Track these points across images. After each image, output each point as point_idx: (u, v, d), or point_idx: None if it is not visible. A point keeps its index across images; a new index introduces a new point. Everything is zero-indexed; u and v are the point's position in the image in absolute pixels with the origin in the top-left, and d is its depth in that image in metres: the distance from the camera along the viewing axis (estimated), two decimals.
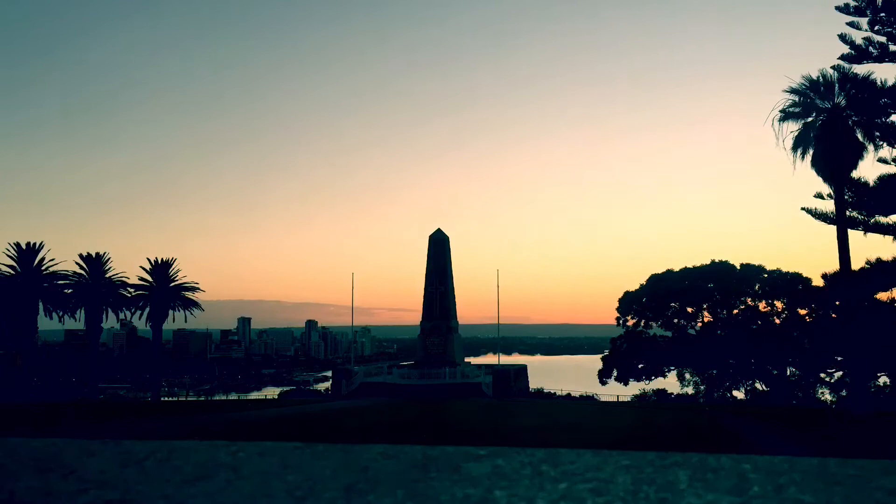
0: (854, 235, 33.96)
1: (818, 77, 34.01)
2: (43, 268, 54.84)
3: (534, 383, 58.34)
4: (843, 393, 39.31)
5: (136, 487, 1.25)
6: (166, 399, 61.74)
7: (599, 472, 1.23)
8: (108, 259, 58.21)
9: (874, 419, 25.66)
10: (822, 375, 41.73)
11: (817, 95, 34.14)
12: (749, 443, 18.55)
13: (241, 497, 1.19)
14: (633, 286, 49.75)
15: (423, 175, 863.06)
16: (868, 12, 31.95)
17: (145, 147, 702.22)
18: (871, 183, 33.37)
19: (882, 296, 36.42)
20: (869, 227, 33.80)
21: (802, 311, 44.47)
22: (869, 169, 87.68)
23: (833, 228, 33.53)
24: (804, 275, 45.45)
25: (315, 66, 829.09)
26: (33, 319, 53.37)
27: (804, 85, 34.25)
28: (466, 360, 56.79)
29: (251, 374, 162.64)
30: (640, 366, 46.82)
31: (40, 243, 55.08)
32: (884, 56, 32.33)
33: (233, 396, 78.49)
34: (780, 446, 17.86)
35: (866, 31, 32.37)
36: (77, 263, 57.30)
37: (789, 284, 45.35)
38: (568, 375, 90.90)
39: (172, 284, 60.79)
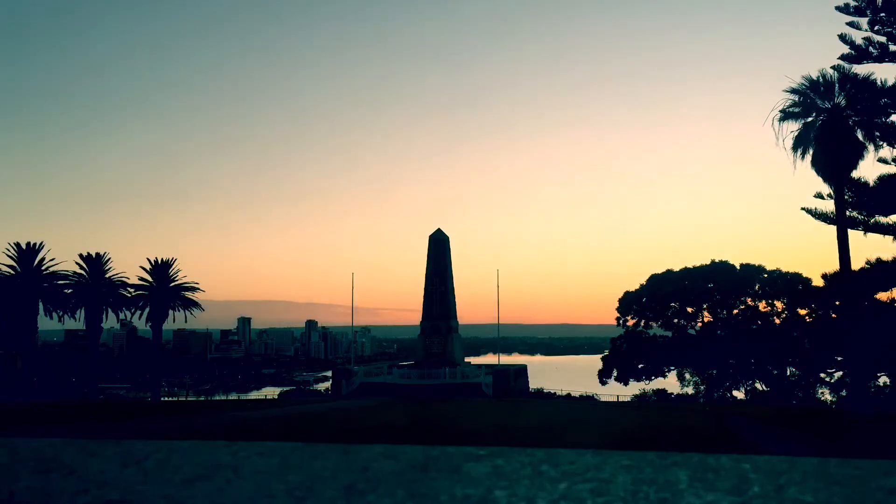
0: (854, 235, 33.99)
1: (818, 77, 34.02)
2: (43, 268, 54.84)
3: (534, 383, 58.35)
4: (843, 393, 39.29)
5: (136, 487, 1.25)
6: (166, 399, 61.75)
7: (599, 472, 1.23)
8: (108, 259, 58.24)
9: (874, 419, 25.65)
10: (822, 375, 41.72)
11: (817, 95, 34.15)
12: (749, 443, 18.54)
13: (241, 497, 1.19)
14: (633, 286, 49.77)
15: (423, 175, 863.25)
16: (868, 12, 31.96)
17: (145, 147, 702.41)
18: (871, 183, 33.38)
19: (882, 296, 36.42)
20: (869, 227, 33.80)
21: (802, 311, 44.46)
22: (869, 169, 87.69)
23: (833, 228, 33.54)
24: (804, 275, 45.48)
25: (315, 66, 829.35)
26: (33, 319, 53.37)
27: (804, 85, 34.26)
28: (466, 360, 56.79)
29: (251, 374, 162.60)
30: (640, 366, 46.81)
31: (40, 243, 55.11)
32: (884, 56, 32.33)
33: (233, 396, 78.51)
34: (780, 446, 17.85)
35: (866, 31, 32.39)
36: (77, 263, 57.33)
37: (789, 284, 45.35)
38: (568, 375, 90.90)
39: (172, 284, 60.79)
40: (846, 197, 33.22)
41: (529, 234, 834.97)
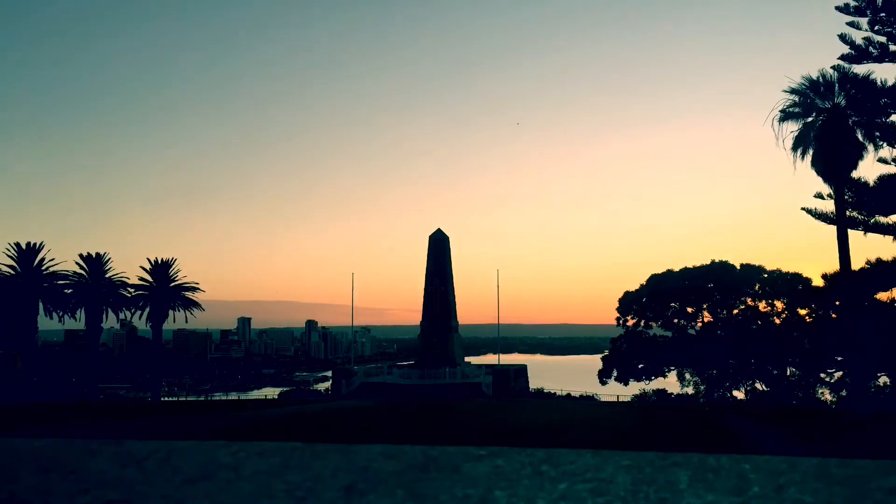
0: (854, 235, 34.02)
1: (818, 77, 34.06)
2: (43, 268, 54.88)
3: (534, 383, 58.38)
4: (843, 393, 39.30)
5: (136, 487, 1.25)
6: (166, 399, 61.78)
7: (599, 472, 1.23)
8: (108, 259, 58.30)
9: (874, 419, 25.66)
10: (822, 375, 41.71)
11: (817, 95, 34.18)
12: (749, 443, 18.55)
13: (241, 497, 1.19)
14: (633, 286, 49.77)
15: (423, 175, 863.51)
16: (868, 12, 31.99)
17: (145, 147, 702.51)
18: (871, 183, 33.41)
19: (882, 296, 36.42)
20: (869, 227, 33.83)
21: (802, 311, 44.45)
22: (869, 169, 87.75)
23: (833, 228, 33.57)
24: (804, 275, 45.48)
25: (314, 66, 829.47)
26: (33, 319, 53.40)
27: (804, 85, 34.29)
28: (466, 360, 56.82)
29: (251, 374, 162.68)
30: (640, 366, 46.81)
31: (40, 243, 55.16)
32: (884, 56, 32.36)
33: (233, 396, 78.54)
34: (780, 446, 17.87)
35: (866, 31, 32.42)
36: (77, 263, 57.40)
37: (789, 284, 45.36)
38: (568, 375, 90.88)
39: (172, 284, 60.85)
40: (846, 197, 33.25)
41: (529, 235, 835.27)
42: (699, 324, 47.24)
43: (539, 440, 18.56)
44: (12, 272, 53.90)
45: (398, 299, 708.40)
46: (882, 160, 33.57)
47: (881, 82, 32.46)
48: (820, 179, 34.00)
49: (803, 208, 35.28)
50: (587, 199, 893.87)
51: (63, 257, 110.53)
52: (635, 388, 48.12)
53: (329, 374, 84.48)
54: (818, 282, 41.34)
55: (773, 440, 19.16)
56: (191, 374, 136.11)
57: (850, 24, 32.54)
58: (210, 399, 66.47)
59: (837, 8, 32.51)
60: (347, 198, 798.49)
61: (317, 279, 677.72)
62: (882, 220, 33.68)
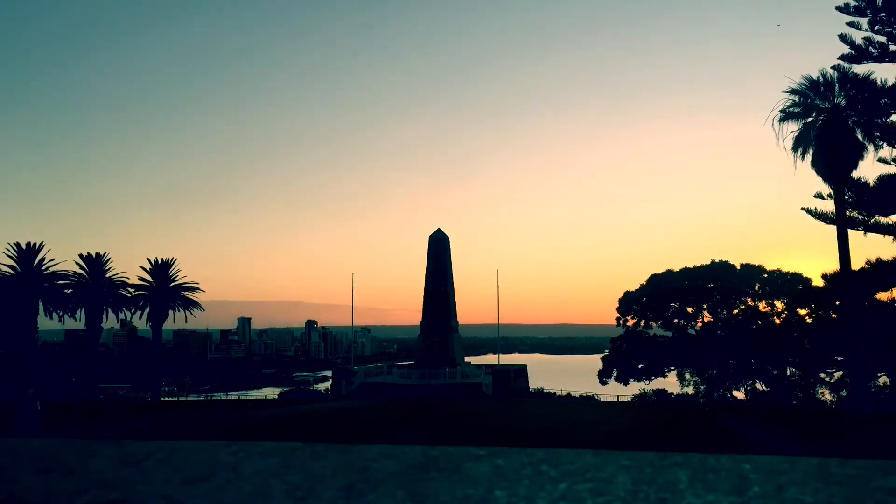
0: (854, 235, 34.01)
1: (818, 77, 34.05)
2: (43, 268, 54.86)
3: (534, 383, 58.37)
4: (843, 393, 39.30)
5: (136, 487, 1.25)
6: (166, 399, 61.76)
7: (599, 472, 1.23)
8: (108, 259, 58.26)
9: (874, 419, 25.66)
10: (822, 375, 41.72)
11: (817, 95, 34.16)
12: (749, 443, 18.55)
13: (241, 497, 1.19)
14: (633, 286, 49.77)
15: (423, 175, 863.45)
16: (868, 12, 31.98)
17: (145, 147, 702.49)
18: (871, 183, 33.40)
19: (882, 296, 36.44)
20: (869, 227, 33.83)
21: (802, 311, 44.46)
22: (869, 169, 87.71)
23: (833, 228, 33.56)
24: (804, 275, 45.49)
25: (315, 68, 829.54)
26: (33, 319, 53.39)
27: (804, 85, 34.27)
28: (466, 360, 56.81)
29: (251, 374, 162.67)
30: (640, 366, 46.81)
31: (40, 243, 55.13)
32: (884, 56, 32.35)
33: (233, 396, 78.51)
34: (780, 446, 17.86)
35: (866, 31, 32.41)
36: (77, 263, 57.36)
37: (789, 284, 45.36)
38: (568, 375, 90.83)
39: (172, 284, 60.83)
40: (846, 197, 33.24)
41: (529, 234, 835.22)
42: (699, 324, 47.23)
43: (539, 440, 18.56)
44: (12, 272, 53.88)
45: (398, 299, 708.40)
46: (882, 160, 33.59)
47: (881, 82, 32.47)
48: (820, 179, 34.00)
49: (803, 208, 35.28)
50: (587, 199, 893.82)
51: (63, 257, 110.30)
52: (635, 388, 48.12)
53: (329, 374, 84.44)
54: (818, 282, 41.38)
55: (773, 440, 19.15)
56: (191, 375, 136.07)
57: (850, 24, 32.54)
58: (210, 399, 66.44)
59: (837, 8, 32.51)
60: (348, 198, 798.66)
61: (317, 279, 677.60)
62: (882, 220, 33.68)
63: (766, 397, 42.75)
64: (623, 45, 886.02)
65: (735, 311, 46.46)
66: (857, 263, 34.49)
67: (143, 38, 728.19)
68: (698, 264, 48.68)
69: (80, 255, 57.47)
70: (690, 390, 46.34)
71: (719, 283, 46.57)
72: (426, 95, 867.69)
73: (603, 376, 48.30)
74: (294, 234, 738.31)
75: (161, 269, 60.62)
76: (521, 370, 55.24)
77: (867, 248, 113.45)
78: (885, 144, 33.28)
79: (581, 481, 1.19)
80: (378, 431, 21.40)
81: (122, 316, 61.13)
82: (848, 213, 33.25)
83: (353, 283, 66.06)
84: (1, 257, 54.19)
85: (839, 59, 33.16)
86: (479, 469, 1.27)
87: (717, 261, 48.27)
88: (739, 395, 44.97)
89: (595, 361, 51.47)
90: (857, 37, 32.51)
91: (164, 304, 60.02)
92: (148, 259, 60.86)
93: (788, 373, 43.66)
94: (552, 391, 56.49)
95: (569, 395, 54.57)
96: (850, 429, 21.80)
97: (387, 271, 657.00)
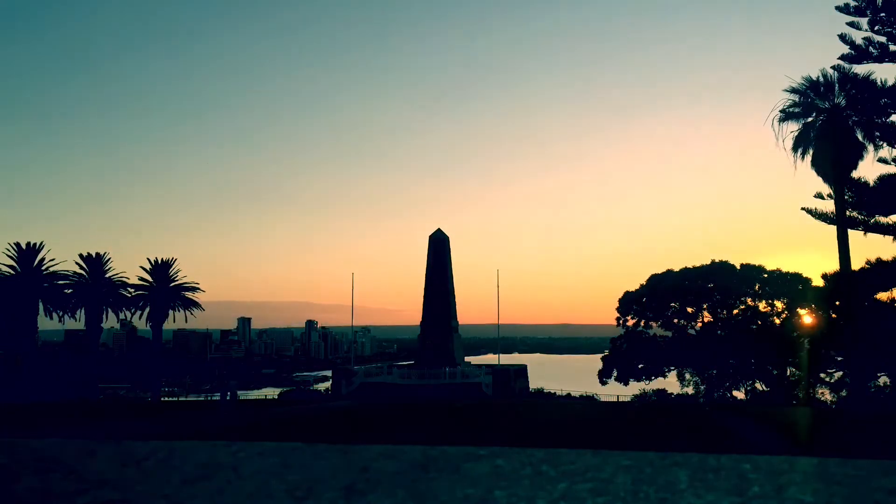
0: (854, 235, 34.03)
1: (818, 77, 34.09)
2: (43, 268, 54.88)
3: (534, 383, 58.41)
4: (843, 393, 39.30)
5: (136, 487, 1.25)
6: (166, 399, 61.79)
7: (599, 472, 1.23)
8: (108, 259, 58.32)
9: (874, 419, 25.66)
10: (822, 375, 41.70)
11: (817, 95, 34.19)
12: (749, 443, 18.55)
13: (241, 497, 1.19)
14: (633, 286, 49.76)
15: (423, 175, 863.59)
16: (868, 12, 32.00)
17: (145, 147, 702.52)
18: (871, 183, 33.42)
19: (882, 296, 36.44)
20: (869, 227, 33.85)
21: (802, 311, 44.47)
22: (869, 169, 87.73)
23: (833, 228, 33.58)
24: (804, 275, 45.49)
25: (314, 67, 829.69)
26: (33, 319, 53.42)
27: (804, 85, 34.31)
28: (466, 360, 56.83)
29: (251, 374, 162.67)
30: (640, 366, 46.80)
31: (40, 243, 55.17)
32: (884, 56, 32.37)
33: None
34: (781, 446, 17.86)
35: (866, 31, 32.44)
36: (77, 263, 57.42)
37: (789, 284, 45.36)
38: (568, 375, 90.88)
39: (172, 284, 60.87)
40: (846, 197, 33.27)
41: (529, 235, 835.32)
42: (699, 324, 47.23)
43: (540, 439, 18.56)
44: (12, 272, 53.91)
45: (398, 299, 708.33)
46: (882, 160, 33.61)
47: (881, 82, 32.50)
48: (820, 179, 34.06)
49: (803, 208, 35.33)
50: (587, 200, 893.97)
51: (63, 257, 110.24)
52: (635, 388, 48.13)
53: (329, 374, 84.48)
54: (818, 282, 41.37)
55: (773, 440, 19.16)
56: (191, 375, 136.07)
57: (850, 24, 32.56)
58: (210, 399, 66.47)
59: (837, 8, 32.53)
60: (348, 198, 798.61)
61: (317, 279, 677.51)
62: (882, 220, 33.71)
63: (766, 397, 42.75)
64: (623, 45, 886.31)
65: (735, 311, 46.45)
66: (857, 263, 34.53)
67: (140, 38, 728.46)
68: (698, 264, 48.69)
69: (80, 255, 57.57)
70: (690, 390, 46.34)
71: (719, 283, 46.57)
72: (426, 95, 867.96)
73: (603, 376, 48.31)
74: (294, 234, 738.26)
75: (161, 269, 60.66)
76: (521, 370, 55.27)
77: (867, 248, 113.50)
78: (885, 144, 33.31)
79: (581, 481, 1.19)
80: (378, 431, 21.40)
81: (122, 316, 61.25)
82: (848, 213, 33.29)
83: (353, 283, 66.16)
84: (1, 257, 54.24)
85: (839, 59, 33.21)
86: (479, 469, 1.27)
87: (717, 261, 48.28)
88: (739, 395, 44.97)
89: (595, 361, 51.45)
90: (857, 37, 32.55)
91: (164, 304, 60.06)
92: (148, 259, 60.98)
93: (788, 373, 43.66)
94: (552, 391, 56.53)
95: (569, 395, 54.61)
96: (850, 429, 21.80)
97: (387, 271, 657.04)
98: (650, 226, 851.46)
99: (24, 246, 54.55)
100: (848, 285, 33.24)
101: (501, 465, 1.28)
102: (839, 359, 38.91)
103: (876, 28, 32.15)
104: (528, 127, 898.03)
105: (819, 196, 34.63)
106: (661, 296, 47.59)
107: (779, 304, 45.88)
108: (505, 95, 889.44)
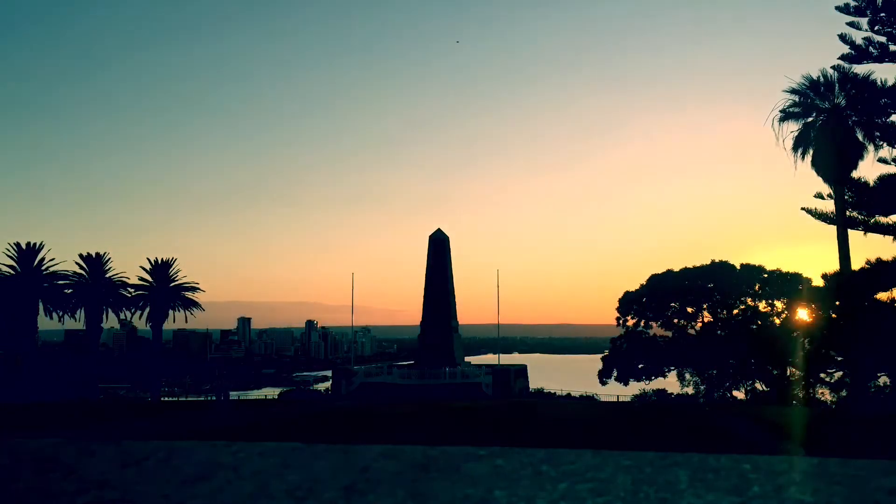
0: (854, 235, 34.04)
1: (818, 77, 34.10)
2: (43, 268, 54.89)
3: (534, 383, 58.43)
4: (843, 393, 39.31)
5: (136, 487, 1.25)
6: (166, 399, 61.79)
7: (599, 472, 1.23)
8: (108, 259, 58.34)
9: (874, 419, 25.67)
10: (822, 375, 41.70)
11: (817, 95, 34.20)
12: (749, 443, 18.55)
13: (241, 497, 1.19)
14: (633, 286, 49.77)
15: (424, 175, 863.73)
16: (868, 12, 32.01)
17: (145, 147, 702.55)
18: (871, 183, 33.43)
19: (882, 296, 36.44)
20: (869, 227, 33.85)
21: (802, 311, 44.48)
22: (869, 169, 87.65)
23: (833, 228, 33.59)
24: (804, 275, 45.49)
25: (313, 65, 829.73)
26: (33, 319, 53.45)
27: (804, 85, 34.32)
28: (466, 360, 56.84)
29: (251, 374, 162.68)
30: (640, 366, 46.82)
31: (40, 243, 55.19)
32: (884, 56, 32.37)
33: (233, 396, 78.45)
34: (780, 446, 17.87)
35: (866, 31, 32.44)
36: (77, 263, 57.45)
37: (789, 284, 45.36)
38: (568, 375, 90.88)
39: (172, 284, 60.89)
40: (846, 197, 33.28)
41: (529, 235, 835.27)
42: (699, 324, 47.25)
43: (540, 439, 18.57)
44: (12, 272, 53.92)
45: (398, 299, 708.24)
46: (882, 160, 33.62)
47: (881, 82, 32.50)
48: (820, 179, 34.08)
49: (803, 208, 35.34)
50: (587, 200, 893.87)
51: (63, 257, 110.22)
52: (635, 388, 48.15)
53: (329, 374, 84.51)
54: (818, 282, 41.36)
55: (772, 440, 19.16)
56: (191, 375, 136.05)
57: (850, 24, 32.57)
58: (210, 399, 66.49)
59: (837, 8, 32.53)
60: (348, 198, 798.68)
61: (317, 279, 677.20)
62: (882, 220, 33.71)
63: (766, 397, 42.77)
64: (623, 46, 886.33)
65: (735, 311, 46.47)
66: (857, 263, 34.54)
67: (140, 39, 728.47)
68: (698, 264, 48.70)
69: (80, 255, 57.60)
70: (690, 390, 46.35)
71: (719, 283, 46.58)
72: (426, 95, 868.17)
73: (603, 376, 48.33)
74: (294, 234, 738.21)
75: (161, 269, 60.68)
76: (521, 370, 55.30)
77: (867, 248, 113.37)
78: (885, 144, 33.32)
79: (581, 481, 1.19)
80: (378, 431, 21.41)
81: (122, 316, 61.28)
82: (848, 213, 33.30)
83: (353, 283, 66.19)
84: (1, 257, 54.26)
85: (839, 59, 33.22)
86: (479, 469, 1.27)
87: (717, 261, 48.29)
88: (739, 395, 44.98)
89: (595, 361, 51.47)
90: (857, 37, 32.55)
91: (164, 304, 60.09)
92: (148, 259, 61.01)
93: (788, 373, 43.66)
94: (552, 391, 56.55)
95: (569, 394, 54.63)
96: (850, 429, 21.80)
97: (387, 271, 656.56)
98: (650, 226, 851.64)
99: (24, 246, 54.57)
100: (848, 285, 33.24)
101: (501, 465, 1.28)
102: (839, 359, 38.92)
103: (876, 28, 32.15)
104: (528, 127, 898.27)
105: (819, 196, 34.66)
106: (661, 296, 47.60)
107: (779, 304, 45.89)
108: (505, 96, 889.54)
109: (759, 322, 45.39)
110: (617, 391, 48.91)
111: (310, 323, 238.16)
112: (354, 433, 20.87)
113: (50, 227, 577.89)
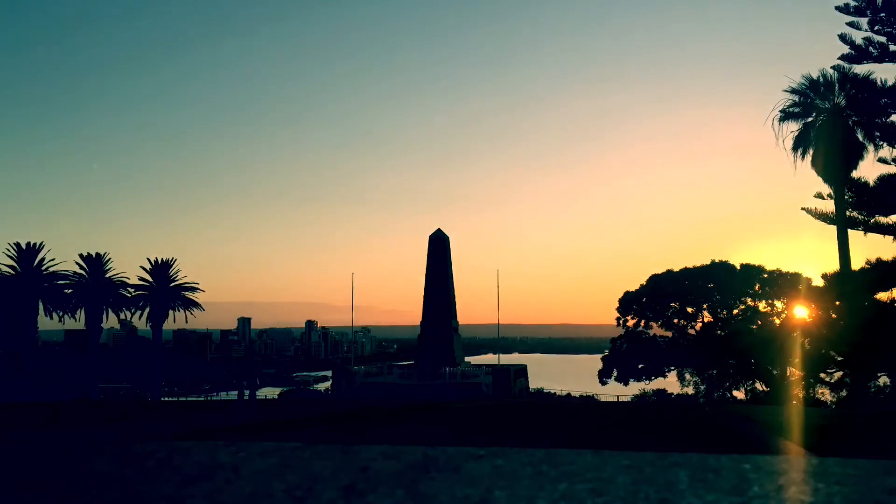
0: (854, 235, 34.03)
1: (818, 77, 34.09)
2: (43, 268, 54.88)
3: (534, 383, 58.44)
4: (843, 393, 39.31)
5: (136, 487, 1.25)
6: (167, 399, 61.78)
7: (599, 472, 1.23)
8: (109, 259, 58.31)
9: (874, 419, 25.66)
10: (822, 375, 41.70)
11: (817, 95, 34.19)
12: (749, 443, 18.55)
13: (241, 497, 1.19)
14: (633, 286, 49.79)
15: (423, 175, 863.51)
16: (868, 12, 31.98)
17: (145, 147, 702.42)
18: (871, 183, 33.40)
19: (882, 296, 36.43)
20: (869, 227, 33.84)
21: (802, 311, 44.47)
22: (869, 169, 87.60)
23: (833, 228, 33.59)
24: (804, 275, 45.49)
25: (313, 66, 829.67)
26: (33, 319, 53.45)
27: (804, 85, 34.31)
28: (466, 360, 56.84)
29: (251, 374, 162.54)
30: (640, 366, 46.83)
31: (40, 243, 55.17)
32: (884, 56, 32.35)
33: (233, 396, 78.38)
34: (780, 446, 17.86)
35: (866, 31, 32.41)
36: (77, 263, 57.41)
37: (789, 284, 45.37)
38: (568, 375, 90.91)
39: (172, 284, 60.88)
40: (846, 197, 33.27)
41: (530, 235, 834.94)
42: (699, 324, 47.24)
43: (540, 439, 18.56)
44: (12, 272, 53.91)
45: (398, 299, 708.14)
46: (882, 160, 33.59)
47: (881, 82, 32.48)
48: (820, 179, 34.06)
49: (803, 208, 35.32)
50: (587, 200, 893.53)
51: (63, 257, 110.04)
52: (635, 388, 48.15)
53: (329, 374, 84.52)
54: (818, 282, 41.35)
55: (772, 440, 19.16)
56: (191, 375, 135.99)
57: (850, 24, 32.54)
58: (210, 399, 66.49)
59: (837, 8, 32.51)
60: (348, 198, 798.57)
61: (317, 279, 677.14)
62: (882, 220, 33.69)
63: (766, 397, 42.77)
64: (624, 45, 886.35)
65: (735, 311, 46.46)
66: (857, 263, 34.53)
67: (139, 40, 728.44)
68: (698, 264, 48.72)
69: (80, 255, 57.55)
70: (690, 390, 46.35)
71: (719, 283, 46.58)
72: (427, 95, 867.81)
73: (603, 376, 48.32)
74: (294, 234, 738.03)
75: (161, 269, 60.67)
76: (522, 370, 55.30)
77: (867, 248, 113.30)
78: (885, 144, 33.30)
79: (581, 481, 1.19)
80: (378, 431, 21.41)
81: (122, 316, 61.25)
82: (848, 213, 33.28)
83: (353, 283, 66.27)
84: (1, 257, 54.25)
85: (839, 59, 33.19)
86: (479, 469, 1.27)
87: (717, 261, 48.30)
88: (739, 395, 44.99)
89: (595, 361, 51.48)
90: (857, 37, 32.52)
91: (164, 304, 60.09)
92: (148, 259, 60.95)
93: (788, 373, 43.67)
94: (552, 391, 56.56)
95: (569, 394, 54.63)
96: (850, 429, 21.80)
97: (387, 271, 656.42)
98: (650, 226, 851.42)
99: (24, 246, 54.56)
100: (848, 285, 33.23)
101: (501, 465, 1.28)
102: (839, 359, 38.91)
103: (876, 28, 32.13)
104: (528, 127, 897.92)
105: (819, 196, 34.64)
106: (661, 296, 47.60)
107: (779, 304, 45.90)
108: (506, 96, 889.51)
109: (759, 322, 45.38)
110: (617, 391, 48.90)
111: (310, 323, 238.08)
112: (354, 433, 20.87)
113: (50, 227, 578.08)
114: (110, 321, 61.52)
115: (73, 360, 66.42)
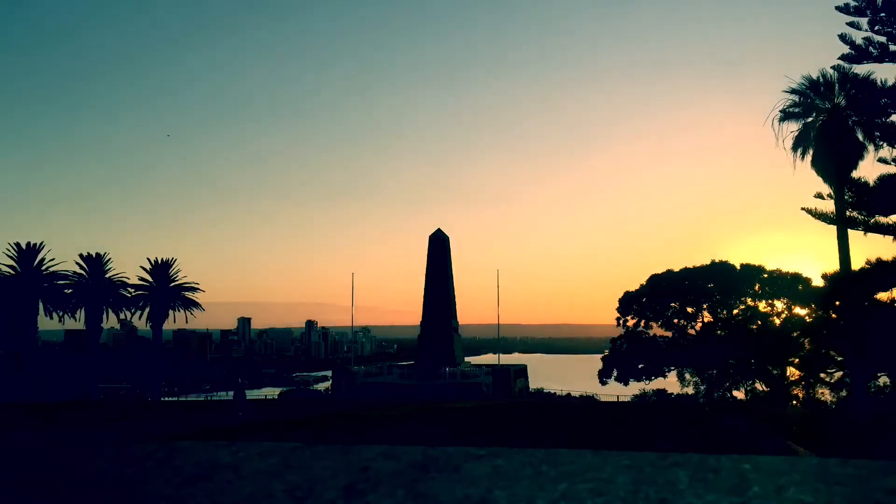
0: (854, 235, 34.01)
1: (818, 77, 34.05)
2: (43, 268, 54.87)
3: (534, 383, 58.45)
4: (843, 393, 39.29)
5: (136, 487, 1.25)
6: (166, 399, 61.77)
7: (599, 472, 1.23)
8: (108, 259, 58.30)
9: (874, 419, 25.66)
10: (822, 375, 41.69)
11: (817, 95, 34.17)
12: (749, 443, 18.55)
13: (241, 497, 1.19)
14: (633, 286, 49.76)
15: (423, 175, 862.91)
16: (868, 12, 31.93)
17: (145, 147, 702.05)
18: (871, 183, 33.36)
19: (882, 296, 36.39)
20: (869, 227, 33.79)
21: (802, 311, 44.45)
22: (869, 169, 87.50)
23: (833, 228, 33.57)
24: (804, 275, 45.48)
25: (312, 65, 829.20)
26: (33, 319, 53.45)
27: (804, 85, 34.28)
28: (466, 360, 56.84)
29: (251, 374, 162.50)
30: (640, 366, 46.79)
31: (40, 243, 55.16)
32: (884, 56, 32.31)
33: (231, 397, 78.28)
34: (780, 446, 17.86)
35: (866, 31, 32.35)
36: (77, 263, 57.41)
37: (789, 284, 45.35)
38: (568, 375, 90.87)
39: (172, 284, 60.86)
40: (846, 197, 33.23)
41: (529, 234, 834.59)
42: (699, 324, 47.21)
43: (541, 439, 18.56)
44: (12, 272, 53.90)
45: (398, 299, 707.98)
46: (882, 160, 33.53)
47: (881, 82, 32.42)
48: (820, 179, 34.01)
49: (803, 208, 35.26)
50: (587, 200, 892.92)
51: (63, 257, 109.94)
52: (635, 388, 48.12)
53: (329, 374, 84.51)
54: (818, 282, 41.33)
55: (772, 440, 19.16)
56: (191, 375, 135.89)
57: (850, 24, 32.49)
58: (210, 399, 66.46)
59: (837, 8, 32.46)
60: (348, 198, 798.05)
61: (317, 279, 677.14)
62: (882, 220, 33.64)
63: (766, 397, 42.75)
64: (624, 45, 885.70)
65: (735, 311, 46.44)
66: (857, 263, 34.50)
67: (139, 41, 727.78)
68: (698, 264, 48.69)
69: (80, 255, 57.55)
70: (690, 390, 46.32)
71: (719, 283, 46.55)
72: (427, 95, 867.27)
73: (603, 376, 48.29)
74: (294, 234, 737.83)
75: (161, 269, 60.65)
76: (522, 370, 55.29)
77: (867, 248, 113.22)
78: (885, 144, 33.25)
79: (581, 481, 1.19)
80: (378, 432, 21.41)
81: (122, 316, 61.24)
82: (848, 213, 33.24)
83: (353, 283, 66.24)
84: (1, 257, 54.25)
85: (839, 59, 33.12)
86: (479, 469, 1.27)
87: (717, 261, 48.26)
88: (739, 395, 44.96)
89: (595, 361, 51.45)
90: (857, 37, 32.46)
91: (164, 304, 60.07)
92: (148, 259, 60.96)
93: (788, 373, 43.65)
94: (552, 391, 56.53)
95: (569, 394, 54.61)
96: (850, 429, 21.80)
97: (387, 271, 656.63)
98: (650, 226, 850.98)
99: (24, 246, 54.54)
100: (848, 285, 33.20)
101: (501, 465, 1.28)
102: (839, 359, 38.89)
103: (876, 28, 32.08)
104: (528, 127, 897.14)
105: (819, 196, 34.58)
106: (661, 296, 47.56)
107: (779, 304, 45.87)
108: (506, 96, 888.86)
109: (759, 322, 45.35)
110: (617, 391, 48.88)
111: (310, 323, 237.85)
112: (354, 433, 20.86)
113: (50, 227, 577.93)
114: (110, 321, 61.61)
115: (73, 360, 66.39)
